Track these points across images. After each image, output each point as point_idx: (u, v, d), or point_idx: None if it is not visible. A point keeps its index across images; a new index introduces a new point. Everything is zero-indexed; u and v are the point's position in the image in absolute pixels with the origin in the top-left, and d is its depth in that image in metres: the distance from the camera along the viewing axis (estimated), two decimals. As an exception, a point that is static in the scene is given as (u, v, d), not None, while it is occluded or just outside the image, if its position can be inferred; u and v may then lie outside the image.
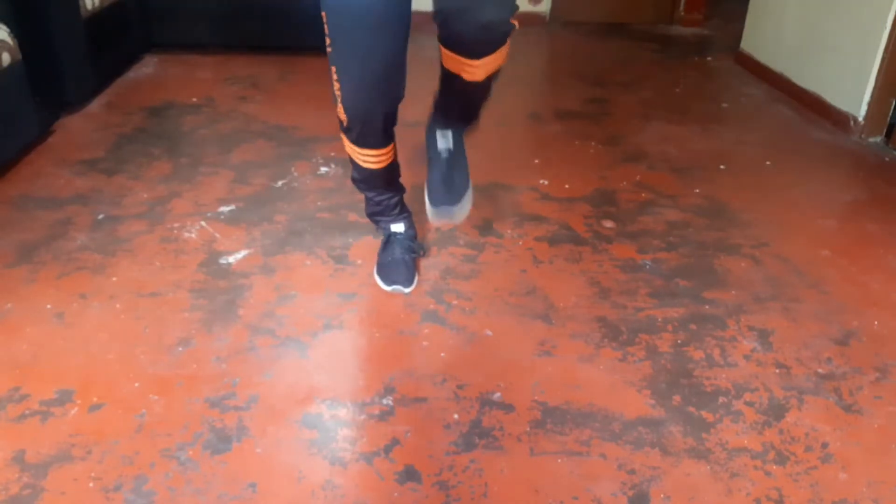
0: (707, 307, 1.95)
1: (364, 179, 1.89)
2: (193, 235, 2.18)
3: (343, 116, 1.66)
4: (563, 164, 2.77)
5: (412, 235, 2.03)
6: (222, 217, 2.29)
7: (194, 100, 3.24)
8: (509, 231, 2.28)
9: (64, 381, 1.59)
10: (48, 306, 1.83)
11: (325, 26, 1.55)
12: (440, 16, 1.46)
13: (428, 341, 1.78)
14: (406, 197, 2.05)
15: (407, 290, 1.93)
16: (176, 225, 2.23)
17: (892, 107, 3.01)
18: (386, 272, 1.96)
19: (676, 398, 1.63)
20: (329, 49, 1.57)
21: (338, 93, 1.62)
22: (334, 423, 1.52)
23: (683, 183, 2.65)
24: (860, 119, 3.07)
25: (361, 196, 2.01)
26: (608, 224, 2.34)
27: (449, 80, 1.63)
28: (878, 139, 3.07)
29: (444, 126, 1.80)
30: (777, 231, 2.35)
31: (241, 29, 3.78)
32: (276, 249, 2.13)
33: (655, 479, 1.42)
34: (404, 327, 1.83)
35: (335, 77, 1.60)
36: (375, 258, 2.03)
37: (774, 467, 1.45)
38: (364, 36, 1.54)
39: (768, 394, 1.65)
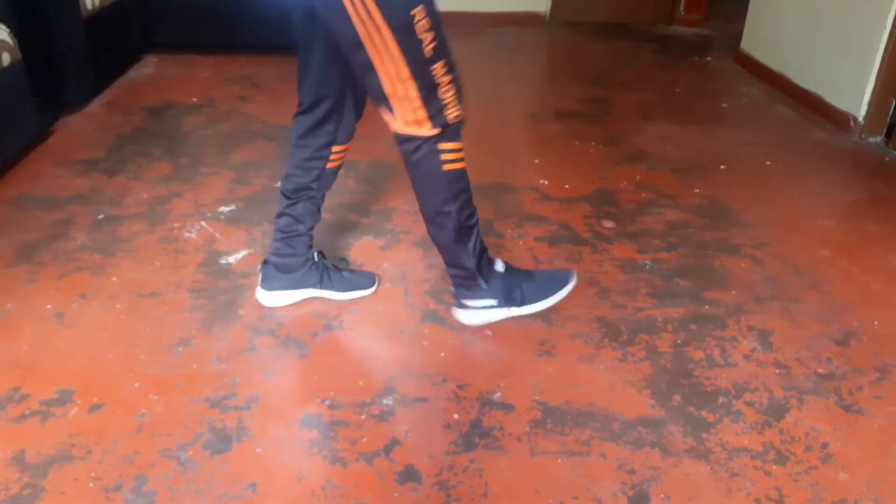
0: (707, 307, 1.95)
1: (469, 187, 1.67)
2: (193, 235, 2.18)
3: (458, 112, 1.52)
4: (563, 164, 2.77)
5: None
6: (222, 217, 2.29)
7: (194, 100, 3.24)
8: (509, 231, 2.28)
9: (64, 381, 1.59)
10: (48, 306, 1.83)
11: (424, 21, 1.39)
12: None
13: (428, 341, 1.78)
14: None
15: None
16: (176, 225, 2.23)
17: (892, 107, 3.01)
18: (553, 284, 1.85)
19: (676, 398, 1.63)
20: (434, 44, 1.42)
21: (450, 87, 1.48)
22: (334, 423, 1.52)
23: (683, 183, 2.65)
24: (860, 119, 3.07)
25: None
26: (608, 224, 2.34)
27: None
28: (878, 139, 3.07)
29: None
30: (777, 231, 2.35)
31: (241, 29, 3.78)
32: (276, 249, 2.13)
33: (655, 479, 1.41)
34: (404, 327, 1.83)
35: (445, 70, 1.46)
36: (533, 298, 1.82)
37: (774, 467, 1.45)
38: None
39: (768, 394, 1.65)
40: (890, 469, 1.47)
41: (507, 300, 1.77)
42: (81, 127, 2.91)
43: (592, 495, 1.37)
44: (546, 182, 2.61)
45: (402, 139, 1.56)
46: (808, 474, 1.44)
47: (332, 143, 1.72)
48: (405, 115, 1.50)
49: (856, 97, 3.07)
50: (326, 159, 1.73)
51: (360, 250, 2.13)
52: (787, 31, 3.58)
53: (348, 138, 1.74)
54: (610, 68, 4.02)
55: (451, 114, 1.52)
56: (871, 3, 2.97)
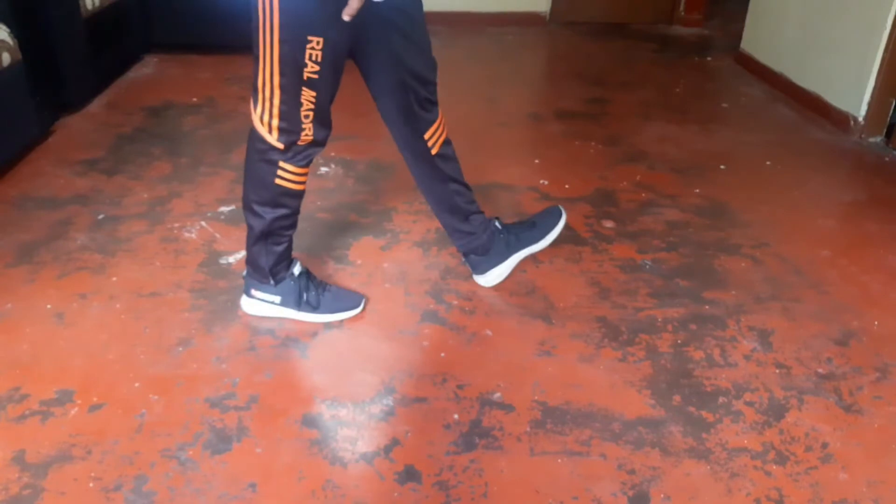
0: (707, 307, 1.95)
1: (297, 208, 1.74)
2: (193, 235, 2.18)
3: (310, 135, 1.61)
4: (563, 164, 2.77)
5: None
6: (222, 217, 2.29)
7: (194, 100, 3.24)
8: (509, 231, 2.27)
9: (64, 381, 1.59)
10: (48, 306, 1.83)
11: (317, 53, 1.49)
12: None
13: (428, 341, 1.78)
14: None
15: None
16: (176, 225, 2.23)
17: (892, 107, 3.01)
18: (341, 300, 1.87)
19: (676, 398, 1.63)
20: (315, 76, 1.52)
21: (310, 115, 1.58)
22: (334, 423, 1.52)
23: (683, 183, 2.65)
24: (860, 119, 3.07)
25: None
26: (608, 224, 2.34)
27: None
28: (878, 139, 3.07)
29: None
30: (777, 231, 2.35)
31: (241, 29, 3.77)
32: (276, 249, 2.12)
33: (655, 479, 1.42)
34: (404, 327, 1.83)
35: (311, 99, 1.56)
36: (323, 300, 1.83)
37: (774, 467, 1.45)
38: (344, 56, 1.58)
39: (768, 394, 1.65)
40: (890, 469, 1.47)
41: (297, 303, 1.80)
42: (81, 127, 2.91)
43: (592, 495, 1.37)
44: (546, 182, 2.61)
45: (254, 135, 1.66)
46: (808, 474, 1.44)
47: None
48: (262, 114, 1.61)
49: (856, 97, 3.07)
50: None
51: (360, 250, 2.13)
52: (787, 31, 3.58)
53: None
54: (610, 68, 4.02)
55: (303, 139, 1.61)
56: (871, 3, 2.97)
